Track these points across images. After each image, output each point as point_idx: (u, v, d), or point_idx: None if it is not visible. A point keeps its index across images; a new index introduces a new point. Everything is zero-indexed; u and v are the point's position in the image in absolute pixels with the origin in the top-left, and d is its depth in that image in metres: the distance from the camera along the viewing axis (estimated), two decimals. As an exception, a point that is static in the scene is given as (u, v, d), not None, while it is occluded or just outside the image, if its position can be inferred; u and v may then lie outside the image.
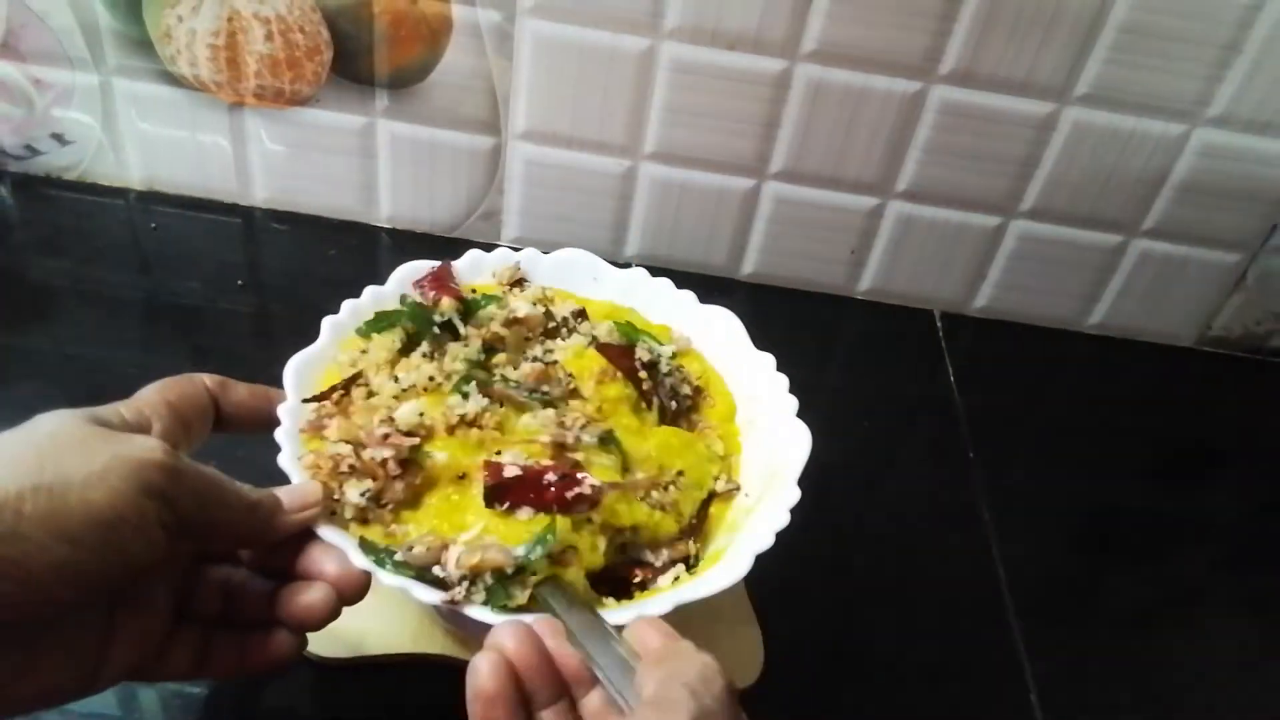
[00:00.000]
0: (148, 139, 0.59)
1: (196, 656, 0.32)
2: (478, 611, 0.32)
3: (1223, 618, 0.50)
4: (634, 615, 0.32)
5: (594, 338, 0.41)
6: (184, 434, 0.32)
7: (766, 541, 0.34)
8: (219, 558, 0.34)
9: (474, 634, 0.38)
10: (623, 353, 0.40)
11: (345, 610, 0.39)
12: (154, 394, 0.33)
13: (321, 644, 0.39)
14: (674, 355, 0.42)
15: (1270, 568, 0.53)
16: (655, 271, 0.46)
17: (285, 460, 0.34)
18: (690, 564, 0.37)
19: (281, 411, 0.36)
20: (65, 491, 0.26)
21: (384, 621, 0.39)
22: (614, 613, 0.32)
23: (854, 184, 0.58)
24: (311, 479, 0.34)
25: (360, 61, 0.55)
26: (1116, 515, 0.54)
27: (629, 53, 0.53)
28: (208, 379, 0.35)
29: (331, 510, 0.33)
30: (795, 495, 0.36)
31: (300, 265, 0.59)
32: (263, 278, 0.58)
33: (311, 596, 0.32)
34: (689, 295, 0.45)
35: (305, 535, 0.33)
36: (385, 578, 0.32)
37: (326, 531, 0.33)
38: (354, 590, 0.33)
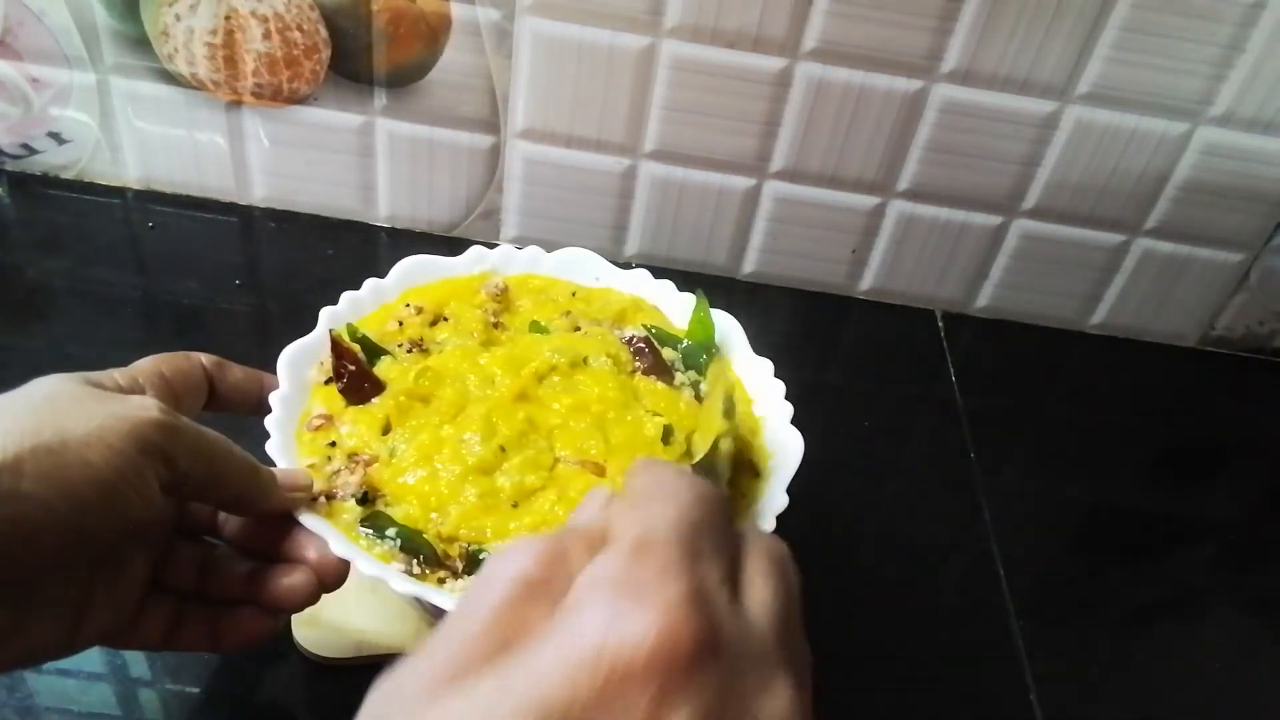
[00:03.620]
0: (145, 138, 0.59)
1: (167, 627, 0.32)
2: (449, 600, 0.32)
3: (1223, 618, 0.50)
4: None
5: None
6: (174, 406, 0.33)
7: None
8: (199, 529, 0.34)
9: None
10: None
11: (346, 610, 0.39)
12: (149, 364, 0.33)
13: (321, 644, 0.39)
14: (706, 365, 0.43)
15: (1270, 568, 0.53)
16: (656, 272, 0.46)
17: (274, 448, 0.34)
18: None
19: (273, 400, 0.36)
20: (64, 450, 0.26)
21: (384, 621, 0.39)
22: None
23: (855, 183, 0.58)
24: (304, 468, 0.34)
25: (359, 60, 0.55)
26: (1116, 515, 0.54)
27: (629, 51, 0.53)
28: (205, 358, 0.35)
29: (315, 498, 0.34)
30: (783, 502, 0.36)
31: (298, 264, 0.59)
32: (261, 277, 0.58)
33: (292, 579, 0.32)
34: (690, 299, 0.45)
35: (289, 520, 0.33)
36: (364, 565, 0.32)
37: (308, 518, 0.33)
38: (333, 576, 0.33)
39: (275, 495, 0.32)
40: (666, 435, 0.38)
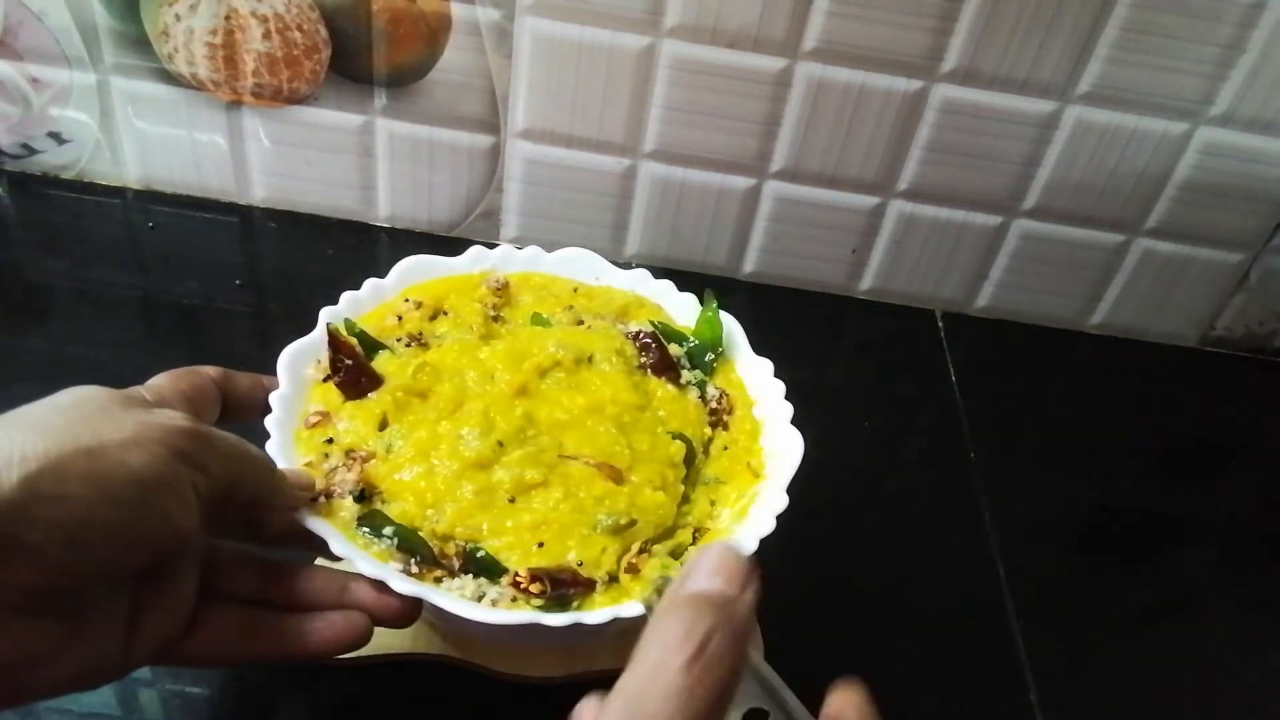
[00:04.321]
0: (145, 138, 0.59)
1: (234, 635, 0.32)
2: (452, 602, 0.32)
3: (1223, 618, 0.50)
4: (610, 615, 0.32)
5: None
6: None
7: (750, 547, 0.34)
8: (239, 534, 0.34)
9: (468, 633, 0.39)
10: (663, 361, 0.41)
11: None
12: (167, 381, 0.33)
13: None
14: (713, 365, 0.43)
15: (1270, 568, 0.53)
16: (656, 271, 0.46)
17: (274, 447, 0.34)
18: (677, 554, 0.36)
19: (273, 399, 0.36)
20: (103, 453, 0.26)
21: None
22: (594, 614, 0.32)
23: (855, 183, 0.58)
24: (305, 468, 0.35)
25: (359, 60, 0.55)
26: (1116, 515, 0.54)
27: (629, 51, 0.53)
28: (212, 371, 0.35)
29: (315, 497, 0.34)
30: (783, 502, 0.36)
31: (298, 264, 0.59)
32: (261, 277, 0.58)
33: (390, 599, 0.32)
34: (690, 298, 0.45)
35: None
36: (365, 566, 0.32)
37: (311, 520, 0.33)
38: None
39: (289, 493, 0.32)
40: (689, 459, 0.38)
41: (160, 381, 0.33)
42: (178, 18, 0.54)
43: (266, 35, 0.54)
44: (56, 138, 0.59)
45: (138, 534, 0.27)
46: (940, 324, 0.63)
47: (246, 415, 0.36)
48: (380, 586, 0.32)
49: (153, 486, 0.26)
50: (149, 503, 0.26)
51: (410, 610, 0.32)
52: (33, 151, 0.60)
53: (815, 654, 0.43)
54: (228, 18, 0.54)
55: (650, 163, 0.58)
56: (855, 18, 0.51)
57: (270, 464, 0.32)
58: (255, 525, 0.34)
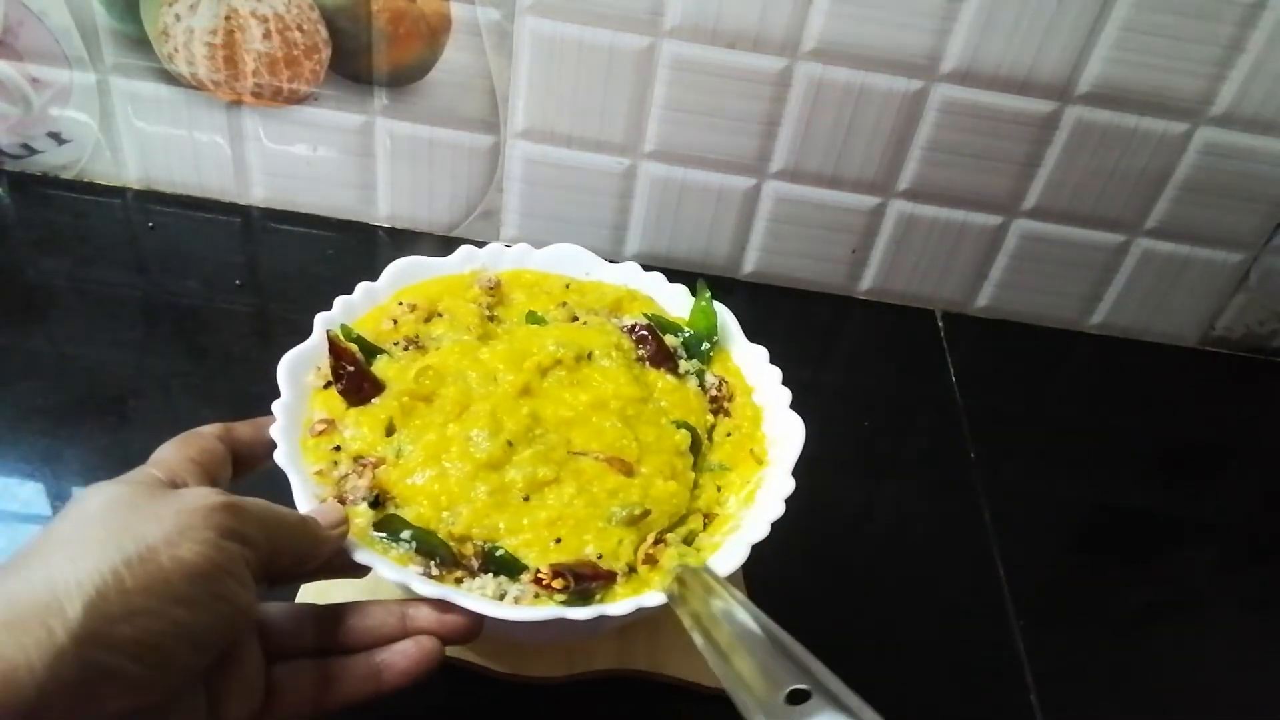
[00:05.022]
0: (145, 138, 0.59)
1: (311, 691, 0.31)
2: (476, 602, 0.32)
3: (1223, 618, 0.50)
4: (634, 606, 0.32)
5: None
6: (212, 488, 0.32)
7: (762, 532, 0.34)
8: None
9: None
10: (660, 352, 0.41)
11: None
12: (174, 453, 0.32)
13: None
14: (709, 354, 0.43)
15: (1270, 568, 0.53)
16: (655, 270, 0.46)
17: (281, 456, 0.34)
18: (689, 541, 0.37)
19: (276, 408, 0.36)
20: (155, 556, 0.25)
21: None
22: (618, 605, 0.32)
23: (855, 183, 0.58)
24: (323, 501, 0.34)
25: (359, 60, 0.55)
26: (1116, 515, 0.54)
27: (629, 51, 0.53)
28: (213, 429, 0.34)
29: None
30: (790, 486, 0.36)
31: (299, 265, 0.59)
32: (261, 277, 0.58)
33: (453, 617, 0.31)
34: (681, 289, 0.45)
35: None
36: (386, 571, 0.32)
37: (361, 554, 0.32)
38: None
39: (324, 540, 0.31)
40: (695, 446, 0.39)
41: (167, 455, 0.32)
42: (178, 18, 0.54)
43: (266, 35, 0.54)
44: (56, 138, 0.59)
45: (210, 626, 0.26)
46: (940, 324, 0.63)
47: (255, 463, 0.35)
48: (442, 606, 0.32)
49: (212, 574, 0.26)
50: (213, 591, 0.26)
51: (475, 624, 0.32)
52: (33, 151, 0.60)
53: (815, 654, 0.43)
54: (228, 18, 0.54)
55: (650, 163, 0.58)
56: (855, 18, 0.51)
57: (301, 518, 0.31)
58: (288, 573, 0.32)
